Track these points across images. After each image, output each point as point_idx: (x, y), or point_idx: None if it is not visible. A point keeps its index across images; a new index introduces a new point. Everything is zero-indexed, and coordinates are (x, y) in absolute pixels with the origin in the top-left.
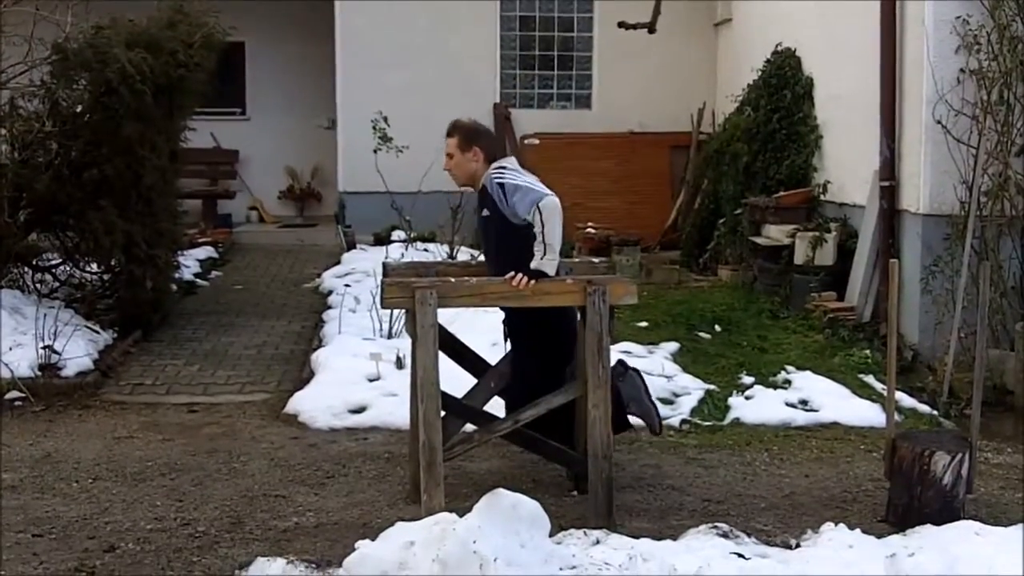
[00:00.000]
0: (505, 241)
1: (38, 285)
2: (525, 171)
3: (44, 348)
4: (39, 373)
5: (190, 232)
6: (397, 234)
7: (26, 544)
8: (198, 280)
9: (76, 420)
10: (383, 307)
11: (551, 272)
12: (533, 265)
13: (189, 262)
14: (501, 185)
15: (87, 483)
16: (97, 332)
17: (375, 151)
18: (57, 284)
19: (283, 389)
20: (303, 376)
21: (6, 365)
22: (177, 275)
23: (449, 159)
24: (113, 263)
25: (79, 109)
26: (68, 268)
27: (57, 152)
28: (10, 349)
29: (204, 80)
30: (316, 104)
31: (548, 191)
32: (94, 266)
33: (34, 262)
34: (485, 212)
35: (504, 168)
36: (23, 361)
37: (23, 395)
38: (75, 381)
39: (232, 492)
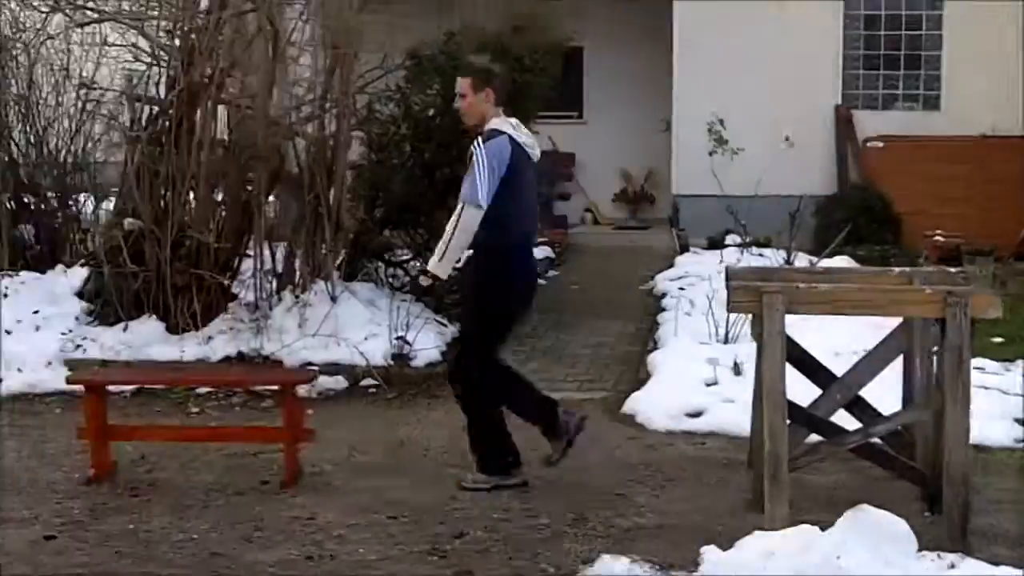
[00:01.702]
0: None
1: (390, 279)
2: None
3: (397, 339)
4: (392, 362)
5: None
6: (731, 238)
7: (382, 525)
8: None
9: (425, 409)
10: (729, 311)
11: (443, 276)
12: (429, 267)
13: None
14: (471, 157)
15: (437, 470)
16: (445, 325)
17: (710, 154)
18: (408, 279)
19: (620, 389)
20: (639, 377)
21: (362, 353)
22: None
23: (462, 99)
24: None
25: (431, 112)
26: (418, 264)
27: (410, 154)
28: (365, 339)
29: (548, 84)
30: (651, 107)
31: (481, 199)
32: None
33: (387, 257)
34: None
35: (492, 136)
36: (377, 351)
37: (377, 383)
38: (425, 371)
39: (574, 488)
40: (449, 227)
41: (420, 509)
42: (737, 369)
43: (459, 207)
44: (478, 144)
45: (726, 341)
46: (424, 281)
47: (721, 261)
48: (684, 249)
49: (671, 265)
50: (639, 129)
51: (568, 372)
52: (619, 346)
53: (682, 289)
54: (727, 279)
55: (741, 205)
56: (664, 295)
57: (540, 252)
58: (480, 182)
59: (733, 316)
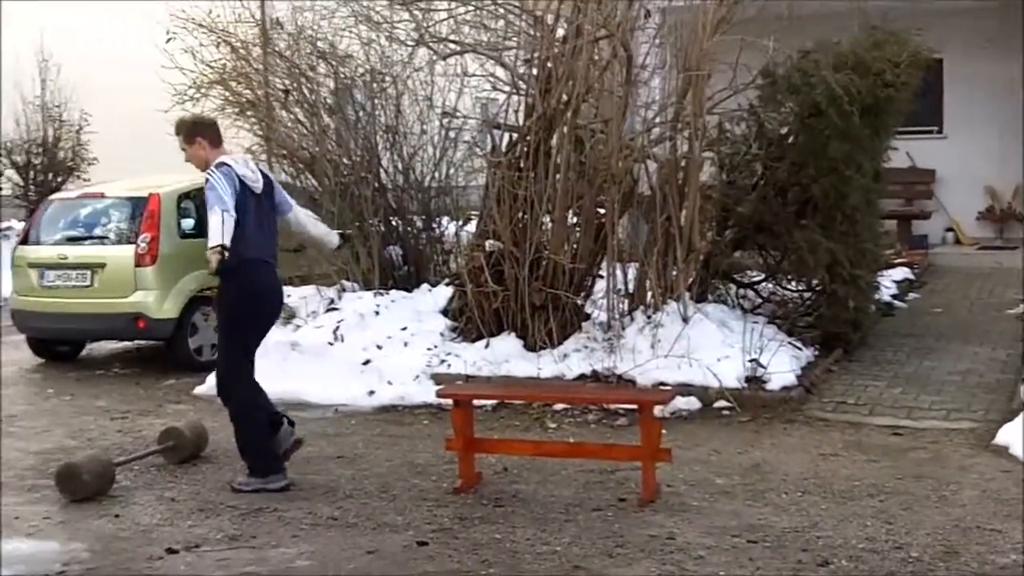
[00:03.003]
0: None
1: (741, 301)
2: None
3: (750, 361)
4: (745, 385)
5: (887, 253)
6: None
7: (742, 549)
8: (895, 301)
9: (781, 433)
10: None
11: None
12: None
13: (887, 283)
14: (207, 180)
15: (796, 496)
16: (799, 348)
17: None
18: (760, 300)
19: (990, 419)
20: (1012, 407)
21: (715, 375)
22: (876, 296)
23: (184, 152)
24: (815, 282)
25: (784, 131)
26: (770, 285)
27: (762, 174)
28: (718, 360)
29: (908, 99)
30: (1017, 119)
31: (224, 208)
32: (795, 284)
33: (738, 278)
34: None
35: (217, 169)
36: (730, 372)
37: (730, 405)
38: (779, 395)
39: (943, 520)
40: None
41: (781, 534)
42: None
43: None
44: (211, 171)
45: None
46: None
47: None
48: None
49: None
50: (1005, 143)
51: (933, 400)
52: (988, 373)
53: None
54: None
55: None
56: None
57: (899, 273)
58: (217, 194)
59: None
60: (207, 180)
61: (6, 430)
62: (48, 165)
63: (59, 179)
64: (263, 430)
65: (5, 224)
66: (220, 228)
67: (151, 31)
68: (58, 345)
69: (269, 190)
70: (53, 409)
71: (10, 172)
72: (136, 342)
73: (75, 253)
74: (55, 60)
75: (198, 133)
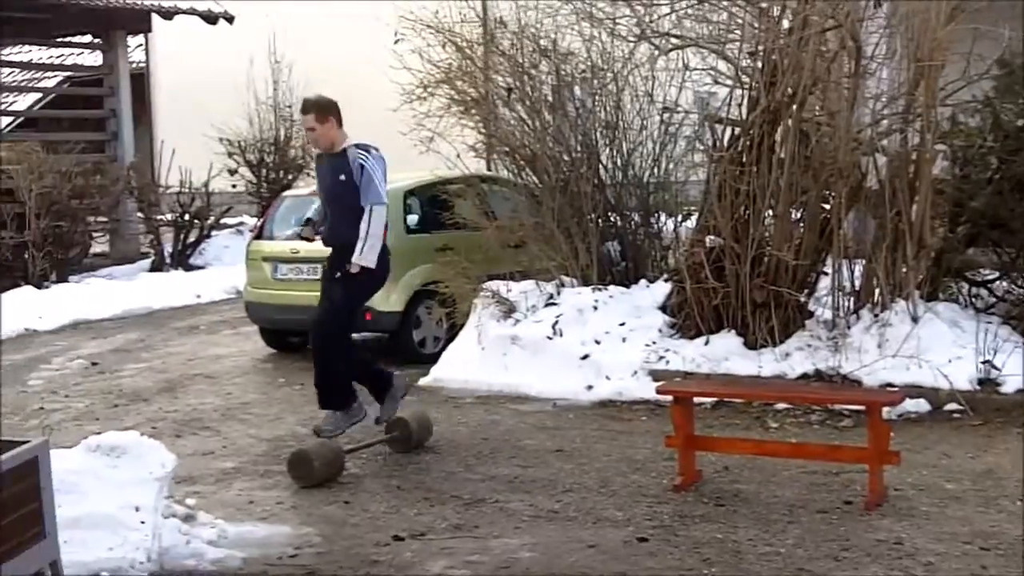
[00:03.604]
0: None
1: (974, 300)
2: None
3: (983, 363)
4: (977, 387)
5: None
6: None
7: (973, 556)
8: None
9: (1015, 438)
10: None
11: (370, 264)
12: (353, 259)
13: None
14: (362, 167)
15: None
16: None
17: None
18: (994, 300)
19: None
20: None
21: (945, 376)
22: None
23: (311, 132)
24: None
25: (1021, 123)
26: (1005, 284)
27: (998, 167)
28: (949, 362)
29: None
30: None
31: (384, 198)
32: None
33: (970, 276)
34: (342, 177)
35: (369, 154)
36: (962, 374)
37: (961, 408)
38: (1015, 399)
39: None
40: (364, 224)
41: (1015, 542)
42: None
43: (368, 208)
44: (355, 158)
45: None
46: (354, 269)
47: None
48: None
49: None
50: None
51: None
52: None
53: None
54: None
55: None
56: None
57: None
58: (379, 181)
59: None
60: (358, 162)
61: (240, 416)
62: (279, 163)
63: (290, 176)
64: (350, 369)
65: (238, 220)
66: (380, 234)
67: (379, 32)
68: (289, 336)
69: None
70: (285, 397)
71: (243, 170)
72: (362, 334)
73: (306, 248)
74: (286, 61)
75: (330, 112)
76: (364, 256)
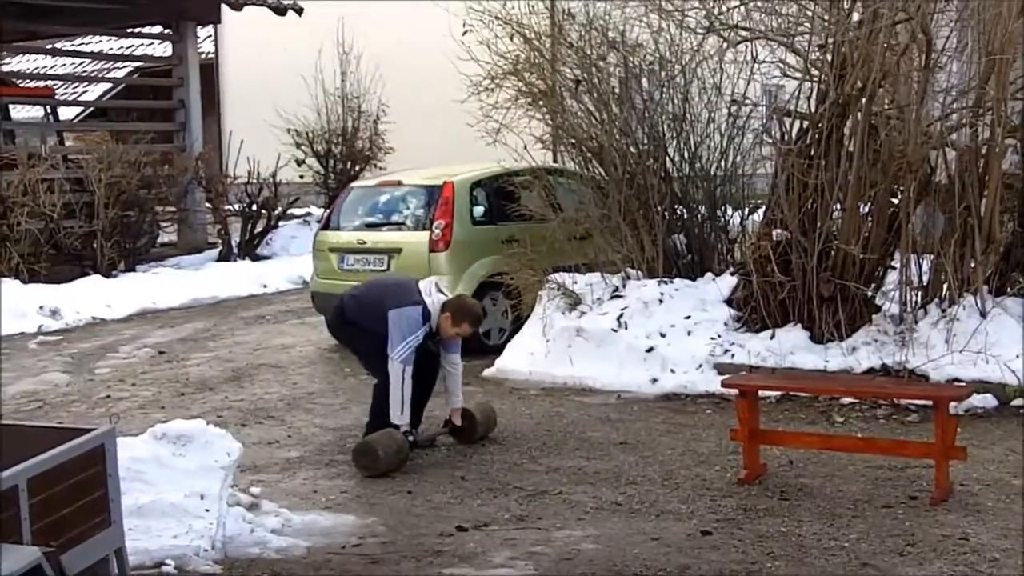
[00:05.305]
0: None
1: None
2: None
3: None
4: None
5: None
6: None
7: None
8: None
9: None
10: None
11: (404, 422)
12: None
13: None
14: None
15: None
16: None
17: None
18: None
19: None
20: None
21: (1013, 372)
22: None
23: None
24: None
25: None
26: None
27: None
28: (1017, 357)
29: None
30: None
31: (403, 356)
32: None
33: None
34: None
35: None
36: None
37: None
38: None
39: None
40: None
41: None
42: None
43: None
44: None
45: None
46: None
47: None
48: None
49: None
50: None
51: None
52: None
53: None
54: None
55: None
56: None
57: None
58: (403, 337)
59: None
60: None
61: (305, 406)
62: (347, 154)
63: (357, 168)
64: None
65: (305, 210)
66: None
67: (448, 23)
68: None
69: None
70: (350, 388)
71: (311, 160)
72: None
73: (373, 238)
74: (355, 52)
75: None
76: (398, 416)
